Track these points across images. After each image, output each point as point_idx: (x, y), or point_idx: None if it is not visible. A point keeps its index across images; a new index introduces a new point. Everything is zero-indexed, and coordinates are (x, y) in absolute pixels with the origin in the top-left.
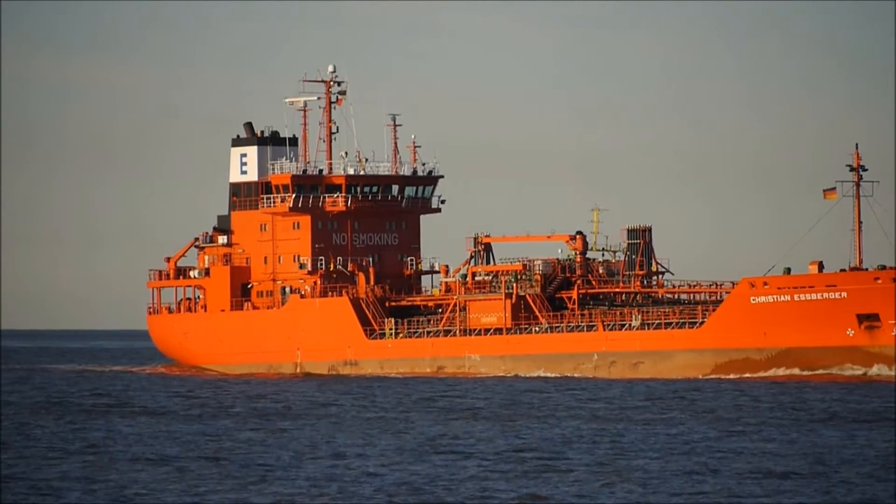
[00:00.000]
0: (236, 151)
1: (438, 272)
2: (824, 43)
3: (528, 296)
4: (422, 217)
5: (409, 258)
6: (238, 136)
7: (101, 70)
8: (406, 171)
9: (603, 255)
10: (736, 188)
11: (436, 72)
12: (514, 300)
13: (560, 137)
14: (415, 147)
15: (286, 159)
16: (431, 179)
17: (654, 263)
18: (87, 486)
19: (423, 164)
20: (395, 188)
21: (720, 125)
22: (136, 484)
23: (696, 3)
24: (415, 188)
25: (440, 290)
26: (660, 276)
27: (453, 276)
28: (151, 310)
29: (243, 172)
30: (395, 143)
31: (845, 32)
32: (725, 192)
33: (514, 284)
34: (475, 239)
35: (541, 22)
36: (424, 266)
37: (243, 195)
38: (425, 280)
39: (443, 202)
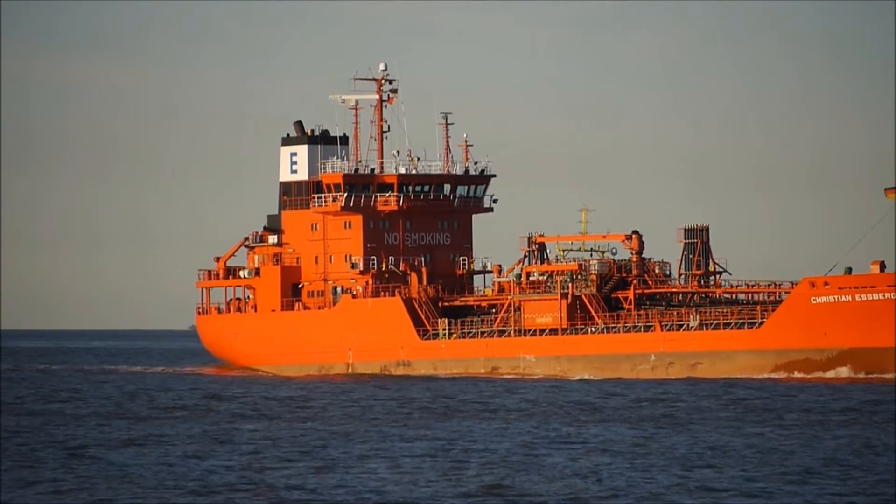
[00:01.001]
0: (286, 150)
1: (491, 272)
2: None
3: (583, 296)
4: (473, 216)
5: (461, 258)
6: (288, 134)
7: (132, 71)
8: (458, 170)
9: (591, 255)
10: (794, 187)
11: (488, 71)
12: (569, 300)
13: (611, 137)
14: (467, 146)
15: (337, 158)
16: (484, 178)
17: (711, 263)
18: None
19: (476, 163)
20: (447, 187)
21: (778, 125)
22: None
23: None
24: (467, 187)
25: (493, 290)
26: (717, 276)
27: (506, 276)
28: (201, 310)
29: (293, 171)
30: (447, 142)
31: None
32: (783, 191)
33: (570, 284)
34: (529, 238)
35: (595, 25)
36: (477, 266)
37: (294, 194)
38: (477, 280)
39: (495, 201)
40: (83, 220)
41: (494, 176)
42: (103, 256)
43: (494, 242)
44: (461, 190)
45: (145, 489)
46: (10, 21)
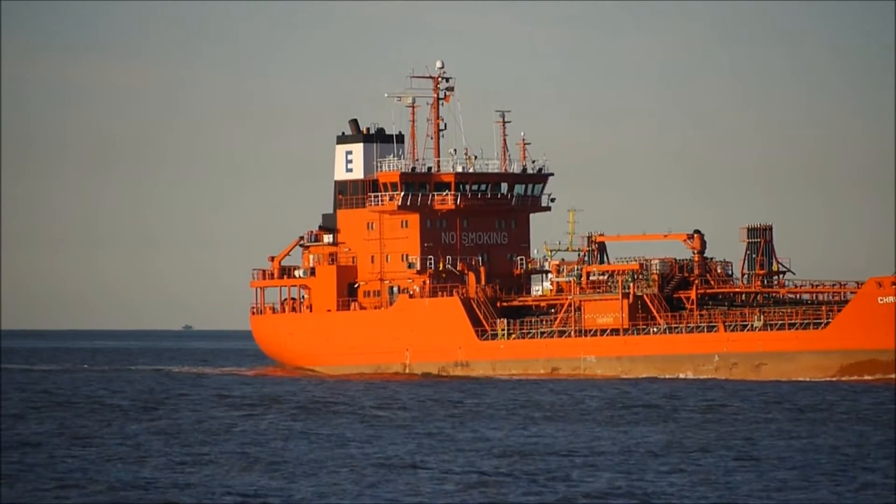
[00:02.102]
0: (341, 149)
1: (549, 271)
2: None
3: (645, 296)
4: (531, 215)
5: (518, 257)
6: (343, 133)
7: (132, 71)
8: (515, 168)
9: (580, 254)
10: (857, 186)
11: (544, 70)
12: (631, 300)
13: (669, 136)
14: (524, 144)
15: (393, 157)
16: (541, 177)
17: (774, 263)
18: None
19: (533, 162)
20: (505, 186)
21: (841, 124)
22: None
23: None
24: (524, 186)
25: (551, 290)
26: (781, 276)
27: (565, 276)
28: (255, 310)
29: (349, 170)
30: (504, 141)
31: None
32: (846, 190)
33: (631, 284)
34: (588, 238)
35: (655, 21)
36: (533, 257)
37: (349, 193)
38: (535, 280)
39: (552, 200)
40: (83, 220)
41: (552, 175)
42: (103, 256)
43: (549, 241)
44: (518, 189)
45: None
46: (11, 21)
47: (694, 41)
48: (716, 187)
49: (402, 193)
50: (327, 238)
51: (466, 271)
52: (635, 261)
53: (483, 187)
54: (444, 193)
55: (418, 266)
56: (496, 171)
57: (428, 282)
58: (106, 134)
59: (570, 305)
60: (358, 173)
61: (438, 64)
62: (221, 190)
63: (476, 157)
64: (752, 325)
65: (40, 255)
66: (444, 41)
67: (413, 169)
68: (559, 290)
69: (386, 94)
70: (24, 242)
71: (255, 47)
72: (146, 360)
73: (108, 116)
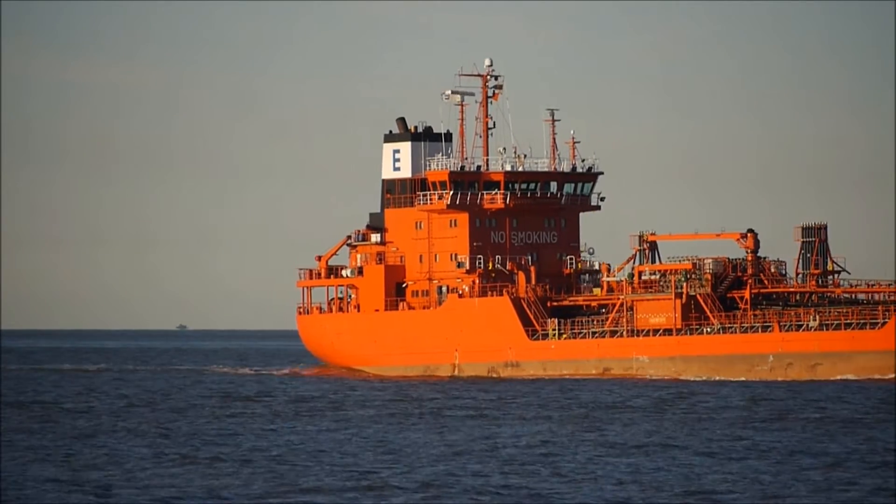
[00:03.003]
0: (389, 147)
1: (599, 271)
2: None
3: (698, 295)
4: (580, 215)
5: (568, 257)
6: (390, 131)
7: (134, 71)
8: (565, 167)
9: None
10: None
11: (593, 67)
12: (684, 300)
13: (723, 134)
14: (574, 142)
15: (442, 155)
16: (591, 176)
17: (829, 262)
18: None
19: (583, 161)
20: (554, 185)
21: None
22: None
23: None
24: (573, 185)
25: (602, 290)
26: (836, 276)
27: (615, 276)
28: (302, 309)
29: (396, 169)
30: (554, 139)
31: None
32: None
33: (684, 284)
34: (640, 237)
35: (703, 18)
36: (584, 257)
37: (397, 192)
38: (584, 279)
39: (602, 199)
40: (83, 220)
41: (602, 173)
42: (103, 256)
43: (601, 241)
44: (568, 188)
45: None
46: (10, 21)
47: (750, 38)
48: (769, 186)
49: (452, 192)
50: (375, 237)
51: (516, 271)
52: (688, 260)
53: (532, 186)
54: (494, 192)
55: (467, 265)
56: (545, 169)
57: (477, 281)
58: (106, 134)
59: (622, 305)
60: (406, 172)
61: (487, 62)
62: (244, 190)
63: (525, 156)
64: (807, 325)
65: (40, 256)
66: (492, 39)
67: (462, 168)
68: (609, 289)
69: (439, 94)
70: (23, 242)
71: (300, 47)
72: (179, 361)
73: (108, 116)
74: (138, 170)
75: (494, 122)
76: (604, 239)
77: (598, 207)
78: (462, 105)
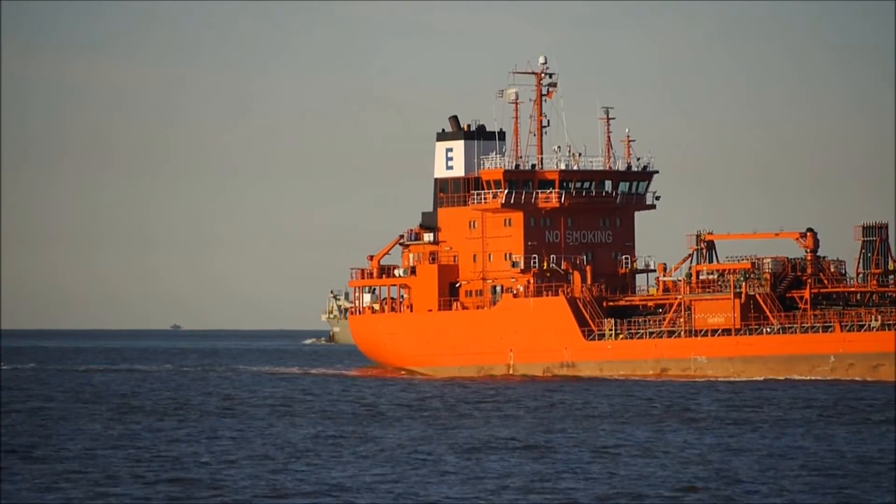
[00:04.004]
0: (441, 146)
1: (654, 271)
2: None
3: (757, 295)
4: (635, 214)
5: (623, 256)
6: (443, 130)
7: (135, 71)
8: (620, 166)
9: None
10: None
11: (648, 66)
12: (743, 300)
13: (780, 133)
14: (629, 141)
15: (495, 154)
16: (646, 175)
17: (890, 261)
18: None
19: (638, 159)
20: (609, 184)
21: None
22: None
23: None
24: (629, 184)
25: (657, 290)
26: None
27: (671, 275)
28: (353, 310)
29: (449, 168)
30: (609, 137)
31: None
32: None
33: (743, 283)
34: (697, 236)
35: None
36: (639, 264)
37: (450, 191)
38: (639, 279)
39: (657, 198)
40: (83, 220)
41: (657, 172)
42: (103, 256)
43: (655, 240)
44: (623, 186)
45: None
46: (10, 21)
47: (808, 37)
48: (828, 185)
49: (506, 191)
50: (428, 237)
51: (571, 270)
52: (746, 260)
53: (587, 185)
54: (549, 191)
55: (522, 265)
56: (600, 168)
57: (532, 281)
58: (106, 133)
59: (679, 305)
60: (459, 171)
61: (541, 60)
62: (274, 190)
63: (580, 155)
64: (868, 325)
65: (40, 256)
66: (545, 37)
67: (517, 166)
68: (666, 289)
69: (490, 91)
70: (23, 243)
71: (343, 44)
72: (210, 361)
73: (108, 116)
74: (138, 170)
75: (548, 121)
76: (659, 238)
77: (653, 206)
78: (516, 103)
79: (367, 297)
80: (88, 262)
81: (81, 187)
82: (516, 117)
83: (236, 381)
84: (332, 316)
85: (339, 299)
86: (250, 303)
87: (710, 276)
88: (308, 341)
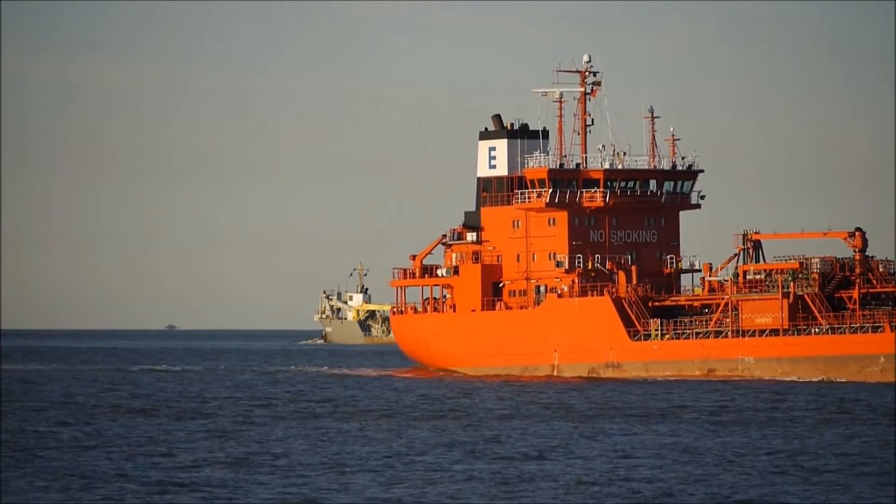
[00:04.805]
0: (484, 145)
1: (699, 270)
2: None
3: (805, 295)
4: (680, 213)
5: (668, 256)
6: (486, 128)
7: (134, 71)
8: (664, 165)
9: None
10: None
11: (691, 64)
12: (791, 300)
13: (828, 131)
14: (674, 140)
15: (539, 153)
16: (691, 174)
17: None
18: None
19: (683, 158)
20: (654, 183)
21: None
22: None
23: None
24: (673, 183)
25: (703, 289)
26: None
27: (717, 275)
28: (395, 310)
29: (492, 167)
30: (653, 136)
31: None
32: None
33: (791, 283)
34: (744, 236)
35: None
36: (684, 264)
37: (493, 190)
38: (684, 279)
39: (702, 197)
40: (83, 220)
41: (702, 171)
42: (103, 256)
43: (699, 240)
44: (667, 186)
45: None
46: (10, 21)
47: (854, 36)
48: (877, 184)
49: (550, 190)
50: (471, 236)
51: (616, 270)
52: (794, 259)
53: (632, 184)
54: (593, 190)
55: (566, 265)
56: (645, 167)
57: (576, 281)
58: (106, 133)
59: (726, 305)
60: (502, 170)
61: (585, 58)
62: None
63: (625, 154)
64: None
65: (40, 256)
66: (590, 35)
67: (561, 165)
68: (711, 289)
69: (533, 90)
70: (23, 242)
71: (351, 45)
72: (242, 362)
73: (108, 116)
74: (138, 170)
75: (592, 119)
76: (703, 237)
77: (698, 206)
78: (560, 101)
79: (357, 298)
80: (88, 262)
81: (81, 187)
82: (560, 116)
83: (315, 381)
84: (324, 316)
85: (331, 299)
86: (244, 303)
87: (758, 276)
88: (304, 342)
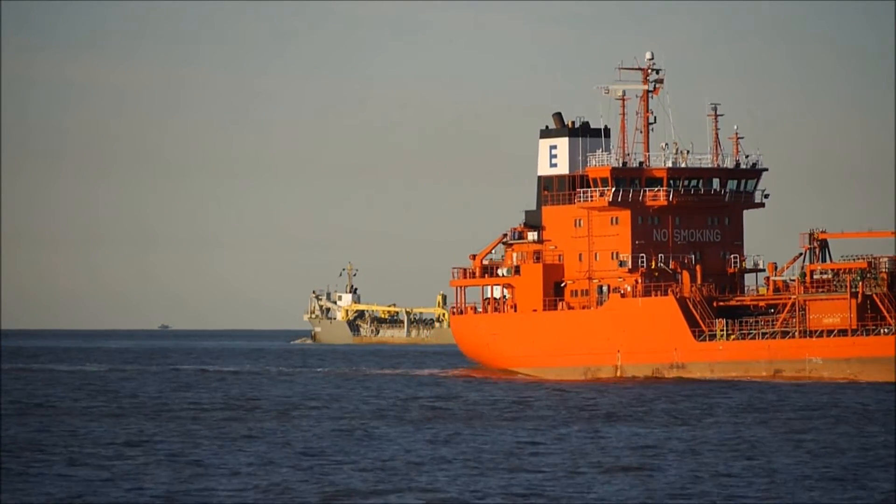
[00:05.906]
0: (545, 143)
1: (763, 270)
2: None
3: (874, 295)
4: (744, 212)
5: (732, 255)
6: (547, 127)
7: (134, 71)
8: (728, 163)
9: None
10: None
11: (757, 61)
12: (859, 300)
13: (892, 128)
14: (737, 138)
15: (601, 151)
16: (755, 172)
17: None
18: None
19: (747, 157)
20: (717, 182)
21: None
22: None
23: None
24: (737, 181)
25: (768, 289)
26: None
27: (782, 275)
28: (455, 310)
29: (553, 165)
30: (717, 134)
31: None
32: None
33: (860, 283)
34: (811, 235)
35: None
36: (748, 263)
37: (555, 189)
38: (747, 278)
39: (766, 196)
40: (83, 220)
41: (766, 170)
42: (103, 256)
43: (762, 239)
44: (731, 184)
45: None
46: (11, 21)
47: None
48: None
49: (613, 189)
50: (531, 235)
51: (679, 270)
52: (862, 259)
53: (695, 183)
54: (656, 189)
55: (630, 264)
56: (708, 166)
57: (640, 281)
58: (106, 133)
59: (793, 305)
60: (563, 168)
61: (648, 55)
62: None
63: (688, 152)
64: None
65: (40, 256)
66: (651, 33)
67: (624, 164)
68: (777, 289)
69: (595, 87)
70: (23, 242)
71: (352, 45)
72: (258, 363)
73: (108, 116)
74: (138, 170)
75: (655, 117)
76: (766, 237)
77: (762, 205)
78: (623, 99)
79: (346, 298)
80: (88, 262)
81: (81, 187)
82: (623, 114)
83: (347, 383)
84: (314, 316)
85: (321, 299)
86: (236, 303)
87: (825, 276)
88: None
